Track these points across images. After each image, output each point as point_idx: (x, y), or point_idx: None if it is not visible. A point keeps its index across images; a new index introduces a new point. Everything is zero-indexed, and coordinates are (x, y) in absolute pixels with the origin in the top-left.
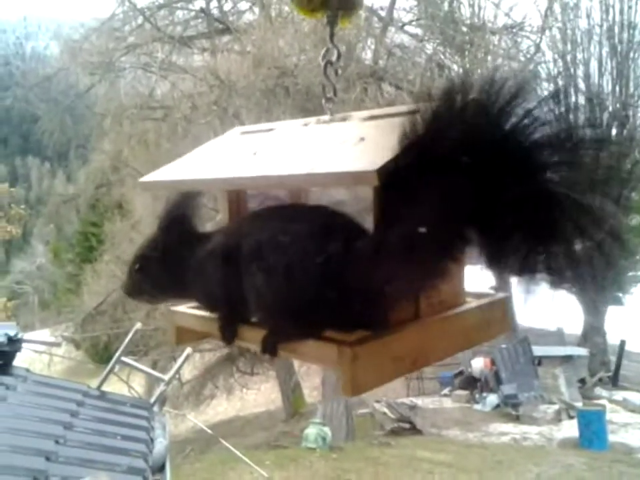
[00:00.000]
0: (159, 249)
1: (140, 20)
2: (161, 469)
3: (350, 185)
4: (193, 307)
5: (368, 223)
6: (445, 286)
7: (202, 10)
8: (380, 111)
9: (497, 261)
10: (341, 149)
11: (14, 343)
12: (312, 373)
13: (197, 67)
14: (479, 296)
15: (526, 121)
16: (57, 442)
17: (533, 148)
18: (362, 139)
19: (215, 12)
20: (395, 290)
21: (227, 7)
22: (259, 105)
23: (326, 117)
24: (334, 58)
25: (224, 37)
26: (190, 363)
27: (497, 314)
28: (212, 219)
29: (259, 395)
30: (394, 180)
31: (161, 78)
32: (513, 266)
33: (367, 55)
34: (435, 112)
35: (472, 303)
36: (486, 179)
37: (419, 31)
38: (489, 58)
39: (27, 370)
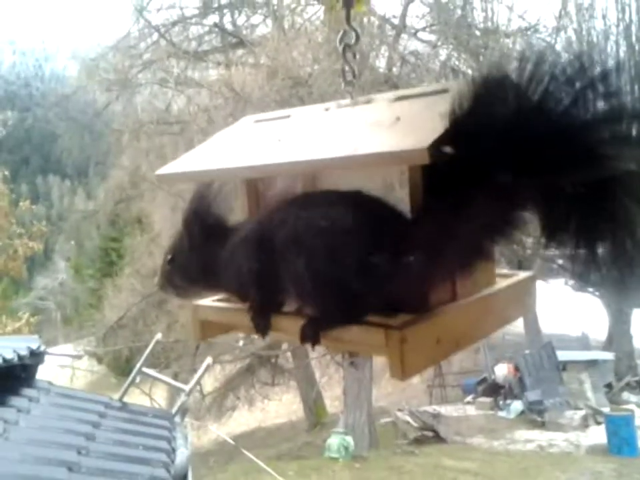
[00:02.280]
0: (186, 242)
1: (155, 36)
2: (183, 478)
3: (397, 164)
4: (218, 300)
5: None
6: (480, 267)
7: (215, 25)
8: (407, 92)
9: (555, 236)
10: (378, 130)
11: (36, 356)
12: (333, 383)
13: (212, 80)
14: (505, 276)
15: (583, 96)
16: (79, 453)
17: (585, 124)
18: (397, 119)
19: (229, 26)
20: (441, 272)
21: (240, 20)
22: None
23: (347, 101)
24: (352, 41)
25: (238, 50)
26: (211, 375)
27: (525, 292)
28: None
29: (280, 405)
30: (442, 157)
31: (177, 93)
32: (572, 241)
33: (381, 63)
34: (484, 87)
35: (502, 283)
36: (537, 154)
37: (432, 37)
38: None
39: (50, 382)
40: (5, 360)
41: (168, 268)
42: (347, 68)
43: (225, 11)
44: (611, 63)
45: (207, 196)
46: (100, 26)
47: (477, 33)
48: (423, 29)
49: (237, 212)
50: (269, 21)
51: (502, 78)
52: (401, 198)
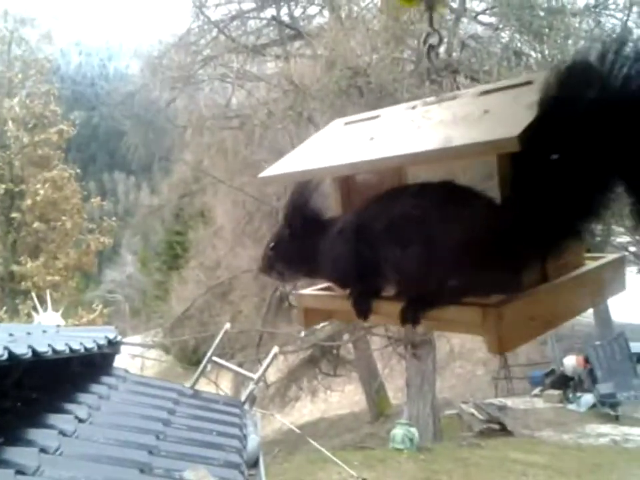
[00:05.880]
0: (287, 233)
1: (214, 32)
2: (254, 464)
3: (489, 154)
4: (319, 289)
5: None
6: (569, 249)
7: (273, 18)
8: (492, 86)
9: None
10: (468, 123)
11: (114, 345)
12: (395, 375)
13: (271, 73)
14: (595, 258)
15: None
16: (157, 437)
17: None
18: (486, 112)
19: (286, 18)
20: (532, 254)
21: (297, 12)
22: (333, 106)
23: (432, 98)
24: (435, 42)
25: (296, 42)
26: (274, 365)
27: (615, 274)
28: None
29: (342, 396)
30: (533, 144)
31: (237, 87)
32: None
33: (440, 48)
34: (569, 75)
35: (591, 264)
36: (628, 135)
37: (493, 20)
38: (570, 42)
39: (126, 370)
40: (86, 349)
41: (270, 254)
42: (430, 67)
43: (282, 3)
44: None
45: (305, 192)
46: (160, 24)
47: (541, 13)
48: (484, 12)
49: (330, 208)
50: (326, 12)
51: (585, 65)
52: (490, 187)
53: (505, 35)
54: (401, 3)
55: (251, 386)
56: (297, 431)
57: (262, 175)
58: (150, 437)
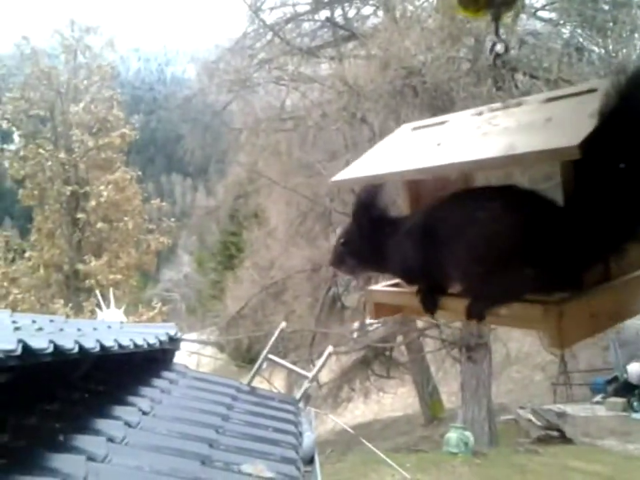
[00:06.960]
0: (355, 230)
1: (269, 35)
2: (310, 461)
3: (550, 161)
4: (389, 285)
5: None
6: (633, 249)
7: (327, 19)
8: (557, 93)
9: None
10: (531, 130)
11: (174, 342)
12: (449, 378)
13: (325, 75)
14: None
15: None
16: (217, 431)
17: None
18: (549, 119)
19: (340, 20)
20: (594, 254)
21: (351, 13)
22: (387, 106)
23: (498, 104)
24: (502, 50)
25: (350, 43)
26: (327, 366)
27: None
28: None
29: (395, 399)
30: (593, 152)
31: (292, 89)
32: None
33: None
34: (630, 86)
35: None
36: None
37: (553, 15)
38: (636, 36)
39: (186, 366)
40: (148, 344)
41: (340, 249)
42: (497, 75)
43: (336, 4)
44: None
45: (372, 192)
46: (216, 29)
47: (605, 6)
48: (543, 7)
49: (399, 207)
50: (380, 12)
51: None
52: (553, 190)
53: (565, 31)
54: (465, 14)
55: (306, 384)
56: (351, 431)
57: (334, 179)
58: (210, 431)
